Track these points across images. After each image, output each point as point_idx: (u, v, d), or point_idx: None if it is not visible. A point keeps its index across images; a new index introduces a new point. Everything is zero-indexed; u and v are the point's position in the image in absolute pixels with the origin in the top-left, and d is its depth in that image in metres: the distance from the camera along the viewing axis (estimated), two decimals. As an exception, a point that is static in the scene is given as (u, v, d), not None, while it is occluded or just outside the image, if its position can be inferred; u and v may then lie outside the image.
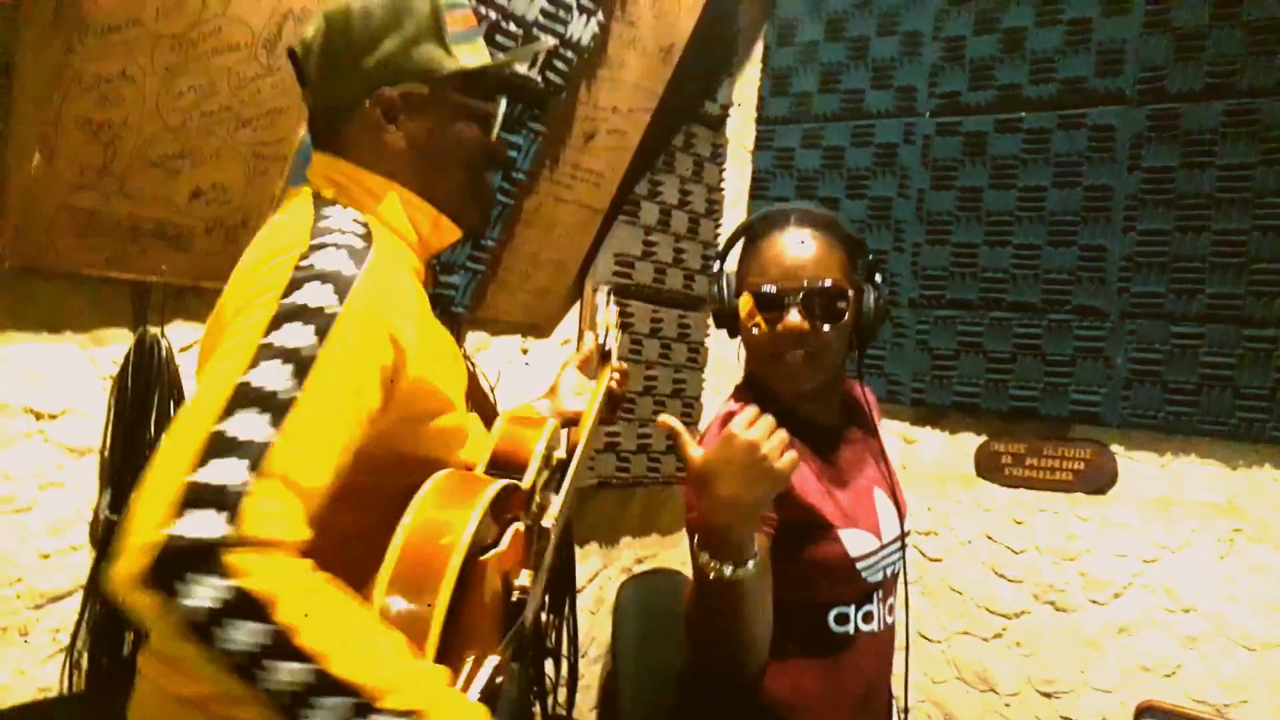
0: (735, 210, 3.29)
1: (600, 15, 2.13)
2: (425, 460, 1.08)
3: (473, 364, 2.40)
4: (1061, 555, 2.67)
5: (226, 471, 0.81)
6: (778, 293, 1.39)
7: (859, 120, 3.05)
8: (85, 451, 1.78)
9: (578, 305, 2.75)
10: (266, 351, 0.89)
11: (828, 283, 1.39)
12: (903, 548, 1.52)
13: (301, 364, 0.89)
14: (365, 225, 1.05)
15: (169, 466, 0.82)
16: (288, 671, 0.79)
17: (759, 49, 3.28)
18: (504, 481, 1.09)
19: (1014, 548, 2.74)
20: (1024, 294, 2.73)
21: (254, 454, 0.83)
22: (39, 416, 1.72)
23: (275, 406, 0.86)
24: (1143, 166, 2.57)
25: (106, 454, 1.79)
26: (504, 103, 1.19)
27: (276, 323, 0.91)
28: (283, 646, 0.79)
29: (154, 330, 1.80)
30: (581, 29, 2.10)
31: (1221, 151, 2.46)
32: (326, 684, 0.80)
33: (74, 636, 1.76)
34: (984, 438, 2.80)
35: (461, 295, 2.27)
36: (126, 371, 1.78)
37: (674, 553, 3.30)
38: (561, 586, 2.68)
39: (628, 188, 2.67)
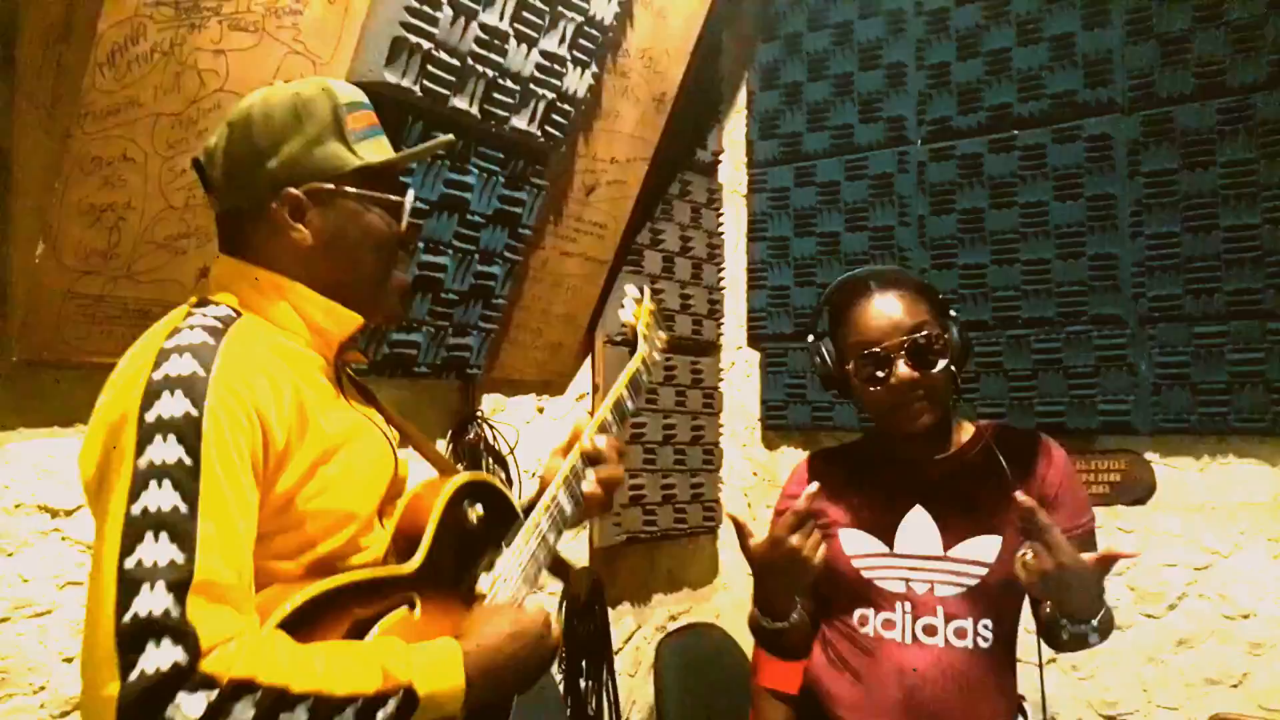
0: (736, 254, 3.28)
1: (594, 67, 2.13)
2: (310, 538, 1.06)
3: (488, 425, 2.35)
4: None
5: (152, 601, 0.84)
6: (883, 351, 1.51)
7: (851, 154, 3.06)
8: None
9: (589, 360, 2.72)
10: (142, 475, 0.89)
11: (924, 330, 1.51)
12: (959, 574, 1.53)
13: (180, 476, 0.90)
14: (225, 321, 1.03)
15: (95, 620, 0.85)
16: (302, 713, 0.88)
17: (743, 95, 3.31)
18: (467, 475, 1.22)
19: (1058, 568, 2.66)
20: (1038, 309, 2.71)
21: (173, 575, 0.85)
22: (54, 514, 1.66)
23: (170, 524, 0.87)
24: (1143, 171, 2.57)
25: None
26: (412, 192, 1.20)
27: (141, 447, 0.90)
28: (284, 698, 0.87)
29: (168, 416, 1.75)
30: (577, 82, 2.10)
31: (1221, 149, 2.46)
32: (332, 704, 0.90)
33: None
34: (1013, 459, 2.74)
35: (476, 356, 2.23)
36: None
37: (706, 606, 3.21)
38: (598, 651, 2.60)
39: (630, 237, 2.65)
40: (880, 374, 1.51)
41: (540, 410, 2.60)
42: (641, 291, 1.68)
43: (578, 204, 2.38)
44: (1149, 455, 2.57)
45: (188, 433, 0.91)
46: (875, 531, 1.58)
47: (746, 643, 2.90)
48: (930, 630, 1.53)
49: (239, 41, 1.59)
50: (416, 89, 1.83)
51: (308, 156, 1.09)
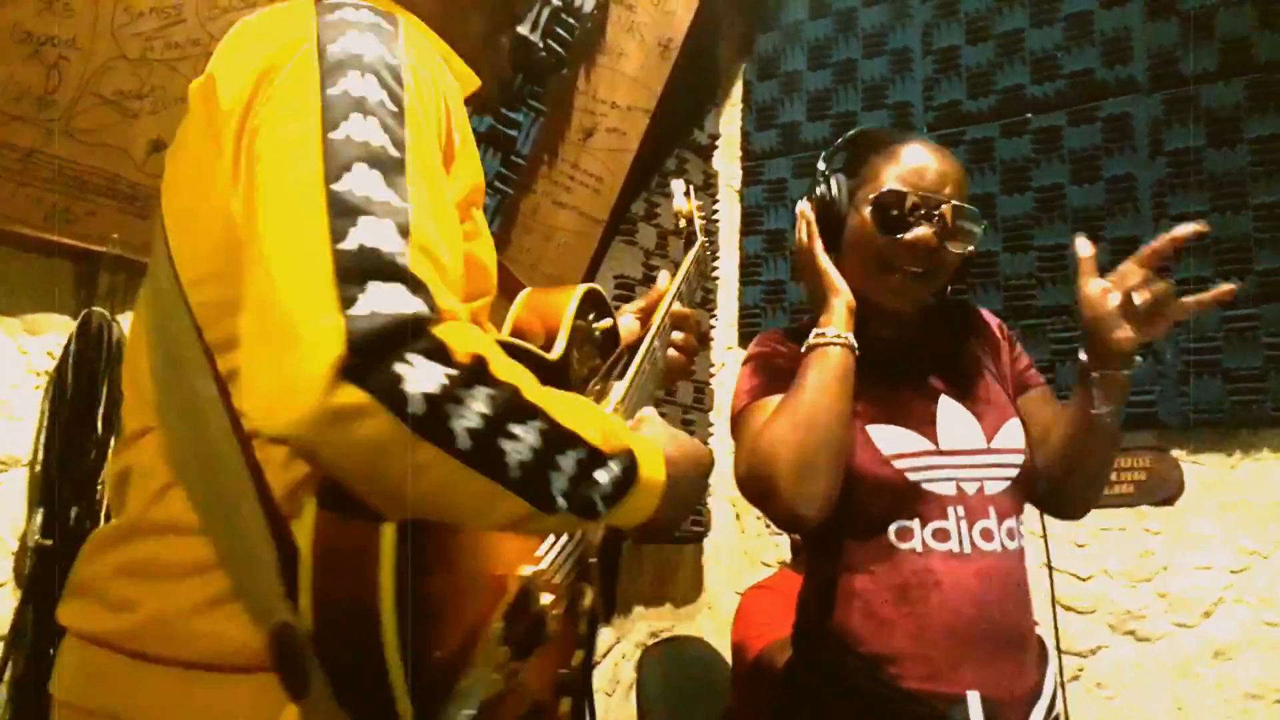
0: (729, 248, 3.10)
1: (602, -17, 1.97)
2: None
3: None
4: (1135, 577, 2.39)
5: (379, 234, 0.63)
6: (920, 202, 1.32)
7: (854, 144, 2.92)
8: (10, 464, 1.44)
9: (577, 334, 2.49)
10: (339, 102, 0.69)
11: (970, 207, 1.33)
12: (1004, 465, 1.37)
13: (385, 119, 0.70)
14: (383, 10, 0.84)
15: (300, 242, 0.63)
16: (531, 432, 0.66)
17: (738, 89, 3.19)
18: (590, 285, 1.07)
19: (1079, 574, 2.45)
20: (1054, 297, 2.55)
21: (397, 216, 0.65)
22: (-44, 414, 1.38)
23: (382, 163, 0.67)
24: (1166, 151, 2.46)
25: (38, 467, 1.45)
26: None
27: (331, 76, 0.71)
28: (519, 404, 0.65)
29: (101, 312, 1.49)
30: (583, -6, 1.93)
31: (1249, 126, 2.36)
32: (562, 437, 0.68)
33: (-11, 701, 1.37)
34: (1027, 458, 2.55)
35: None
36: (66, 364, 1.46)
37: (689, 626, 2.93)
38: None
39: (626, 202, 2.47)
40: (906, 221, 1.31)
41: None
42: (688, 185, 1.57)
43: (574, 147, 2.19)
44: (1176, 451, 2.39)
45: (388, 76, 0.72)
46: (913, 425, 1.35)
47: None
48: (987, 535, 1.33)
49: None
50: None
51: None
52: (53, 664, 0.80)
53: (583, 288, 1.09)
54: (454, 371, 0.61)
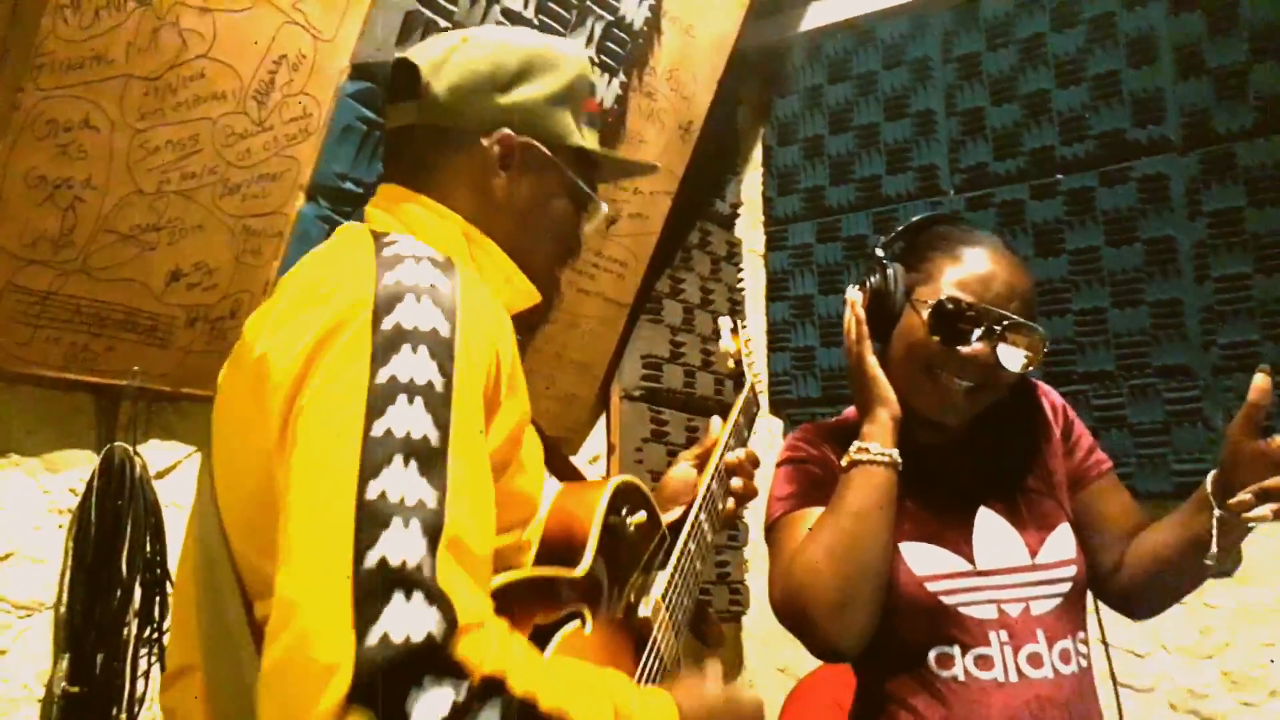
0: (756, 313, 3.06)
1: (621, 75, 1.94)
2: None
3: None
4: (1196, 654, 2.30)
5: (403, 545, 0.65)
6: (981, 315, 1.23)
7: (879, 207, 2.88)
8: (34, 608, 1.41)
9: (604, 417, 2.45)
10: (385, 390, 0.71)
11: (1035, 326, 1.25)
12: (1052, 581, 1.28)
13: (432, 400, 0.72)
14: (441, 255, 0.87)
15: (326, 555, 0.65)
16: None
17: (758, 152, 3.16)
18: (622, 478, 1.06)
19: (1138, 651, 2.36)
20: (1095, 363, 2.48)
21: (426, 518, 0.67)
22: (-22, 560, 1.36)
23: (422, 454, 0.69)
24: (1205, 211, 2.39)
25: (63, 610, 1.42)
26: (605, 207, 1.10)
27: (383, 356, 0.73)
28: (529, 716, 0.69)
29: (123, 447, 1.46)
30: (604, 89, 1.91)
31: (1289, 184, 2.29)
32: None
33: None
34: (1075, 529, 2.47)
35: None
36: (89, 504, 1.44)
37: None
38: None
39: (651, 281, 2.44)
40: (964, 332, 1.22)
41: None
42: (735, 322, 1.57)
43: (598, 237, 2.16)
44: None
45: (439, 350, 0.74)
46: (949, 543, 1.27)
47: (780, 746, 2.55)
48: (1036, 661, 1.25)
49: (230, 1, 1.38)
50: (429, 78, 1.62)
51: (541, 110, 1.01)
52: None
53: (613, 484, 1.07)
54: (463, 697, 0.63)
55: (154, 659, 1.46)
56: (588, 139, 1.06)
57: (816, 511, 1.25)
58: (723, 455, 1.28)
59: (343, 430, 0.69)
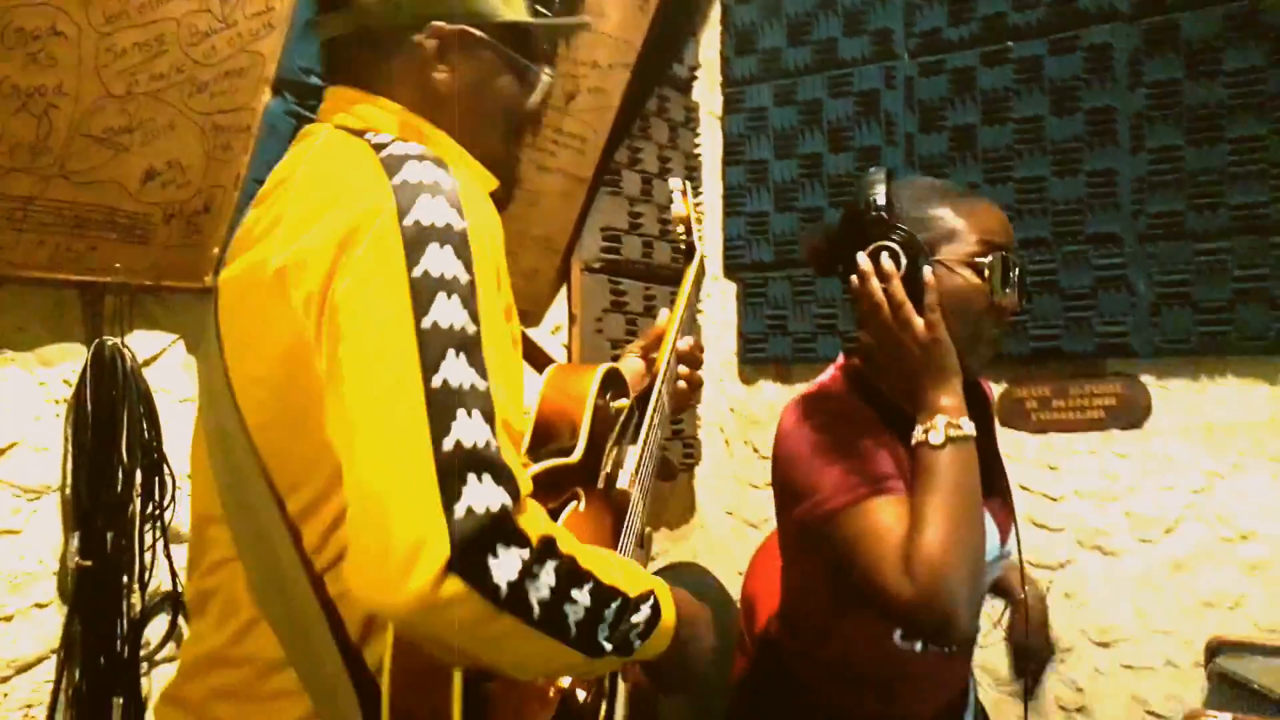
0: (713, 178, 3.11)
1: (580, -48, 1.93)
2: None
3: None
4: (1103, 497, 2.54)
5: (472, 429, 0.73)
6: (1014, 261, 1.22)
7: (834, 70, 2.90)
8: (43, 491, 1.51)
9: (565, 288, 2.54)
10: (424, 284, 0.77)
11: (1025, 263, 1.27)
12: (1001, 563, 1.37)
13: (464, 293, 0.78)
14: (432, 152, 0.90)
15: (404, 442, 0.73)
16: (584, 594, 0.78)
17: (717, 9, 3.12)
18: (606, 366, 1.17)
19: (1051, 495, 2.60)
20: (1033, 229, 2.60)
21: (482, 403, 0.75)
22: (-17, 451, 1.45)
23: (467, 345, 0.76)
24: (1145, 82, 2.46)
25: (69, 491, 1.52)
26: (548, 75, 1.08)
27: (414, 254, 0.78)
28: (576, 573, 0.78)
29: (112, 341, 1.54)
30: (561, -33, 1.90)
31: (1227, 58, 2.36)
32: (607, 593, 0.80)
33: (51, 710, 1.48)
34: (1004, 385, 2.66)
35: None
36: (84, 392, 1.52)
37: (684, 546, 3.10)
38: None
39: (610, 154, 2.47)
40: (1008, 281, 1.21)
41: (515, 344, 2.42)
42: (684, 184, 1.52)
43: (557, 113, 2.18)
44: (1145, 378, 2.50)
45: (460, 244, 0.80)
46: None
47: (729, 582, 2.80)
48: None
49: (186, -103, 1.36)
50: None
51: None
52: (103, 673, 0.91)
53: (601, 371, 1.16)
54: (529, 554, 0.73)
55: (157, 534, 1.58)
56: (517, 8, 1.03)
57: (898, 500, 1.16)
58: (673, 346, 1.34)
59: (394, 325, 0.75)
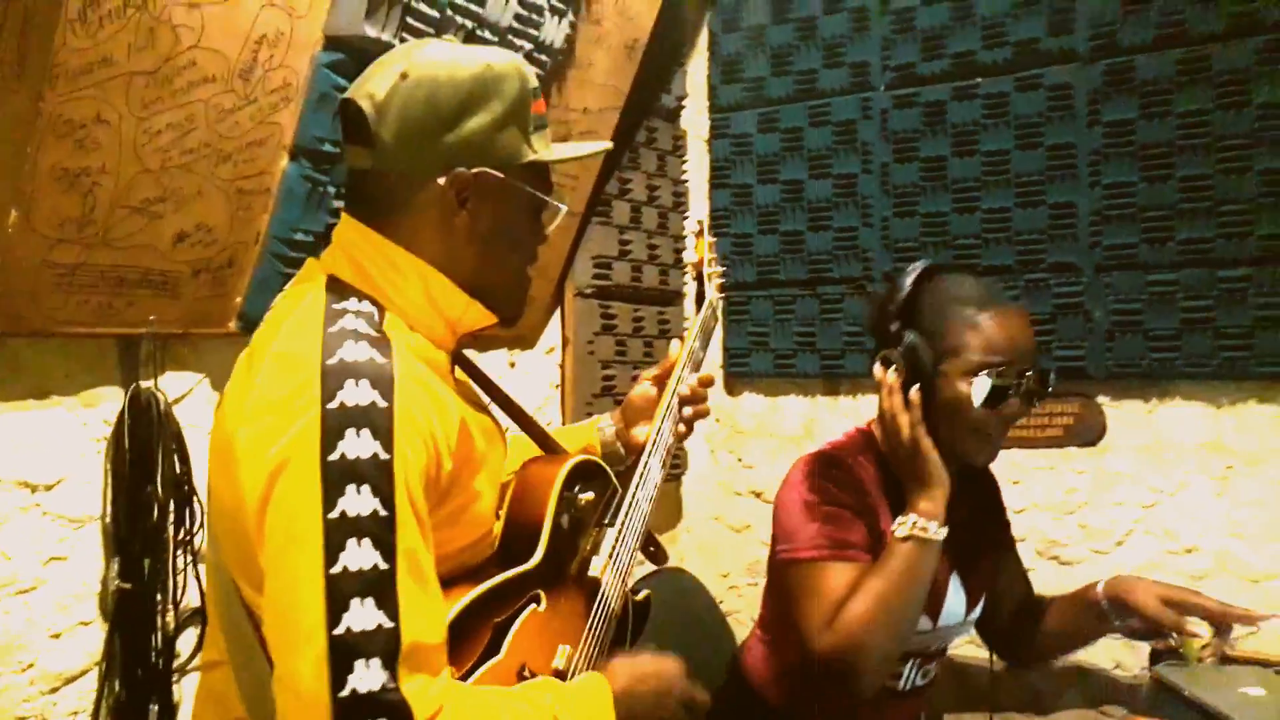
0: (699, 203, 3.26)
1: (570, 15, 2.07)
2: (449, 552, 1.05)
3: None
4: (1061, 510, 2.72)
5: (369, 678, 0.80)
6: (1015, 373, 1.36)
7: (814, 100, 3.05)
8: (86, 520, 1.68)
9: (559, 312, 2.70)
10: (337, 528, 0.84)
11: (1049, 369, 1.40)
12: (967, 628, 1.56)
13: (378, 530, 0.85)
14: (377, 328, 0.98)
15: (298, 690, 0.81)
16: None
17: (704, 37, 3.27)
18: (573, 462, 1.22)
19: (1014, 507, 2.76)
20: (997, 257, 2.76)
21: (384, 644, 0.82)
22: (34, 489, 1.61)
23: (376, 585, 0.83)
24: (1103, 121, 2.62)
25: (109, 520, 1.69)
26: (564, 208, 1.13)
27: (330, 497, 0.85)
28: None
29: (146, 384, 1.70)
30: (554, 32, 2.05)
31: (1178, 99, 2.52)
32: None
33: (95, 717, 1.66)
34: (972, 402, 2.83)
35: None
36: (121, 431, 1.68)
37: (670, 551, 3.27)
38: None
39: (600, 187, 2.62)
40: (1006, 396, 1.36)
41: (512, 365, 2.58)
42: (700, 225, 1.61)
43: (551, 156, 2.33)
44: (1101, 399, 2.67)
45: (380, 480, 0.85)
46: (927, 610, 1.43)
47: (713, 585, 2.97)
48: (926, 673, 1.55)
49: (214, -6, 1.51)
50: (396, 42, 1.76)
51: (490, 139, 1.03)
52: (140, 683, 1.04)
53: (567, 467, 1.20)
54: None
55: (188, 559, 1.75)
56: (538, 146, 1.07)
57: (852, 567, 1.34)
58: (675, 391, 1.39)
59: (304, 570, 0.82)
